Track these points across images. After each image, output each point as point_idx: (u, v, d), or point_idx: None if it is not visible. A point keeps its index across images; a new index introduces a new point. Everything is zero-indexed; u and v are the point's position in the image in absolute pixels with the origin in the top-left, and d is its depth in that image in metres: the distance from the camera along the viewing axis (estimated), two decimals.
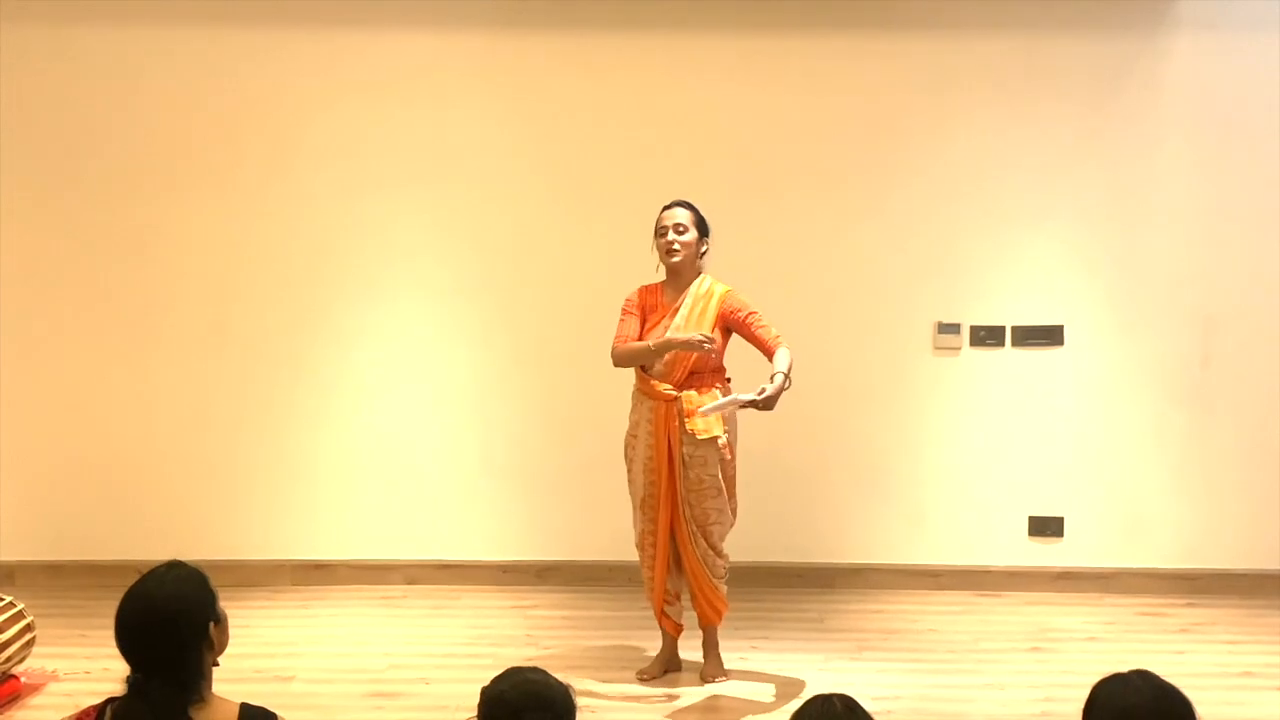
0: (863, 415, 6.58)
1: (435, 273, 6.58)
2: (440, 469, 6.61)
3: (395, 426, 6.60)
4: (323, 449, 6.61)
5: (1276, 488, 6.53)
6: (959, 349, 6.58)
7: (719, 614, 5.29)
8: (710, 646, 5.34)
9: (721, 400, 4.98)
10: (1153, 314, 6.55)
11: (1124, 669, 2.63)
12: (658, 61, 6.51)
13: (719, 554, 5.22)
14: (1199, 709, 2.54)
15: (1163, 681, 2.56)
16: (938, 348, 6.58)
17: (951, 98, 6.52)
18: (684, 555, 5.21)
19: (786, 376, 4.94)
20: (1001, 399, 6.58)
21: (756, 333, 5.12)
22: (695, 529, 5.15)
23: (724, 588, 5.27)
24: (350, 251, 6.56)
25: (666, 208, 5.23)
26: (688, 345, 4.99)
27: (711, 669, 5.29)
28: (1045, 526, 6.60)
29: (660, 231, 5.19)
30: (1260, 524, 6.55)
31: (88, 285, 6.55)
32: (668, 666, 5.36)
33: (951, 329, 6.57)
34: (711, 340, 4.99)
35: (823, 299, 6.54)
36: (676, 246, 5.14)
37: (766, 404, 4.90)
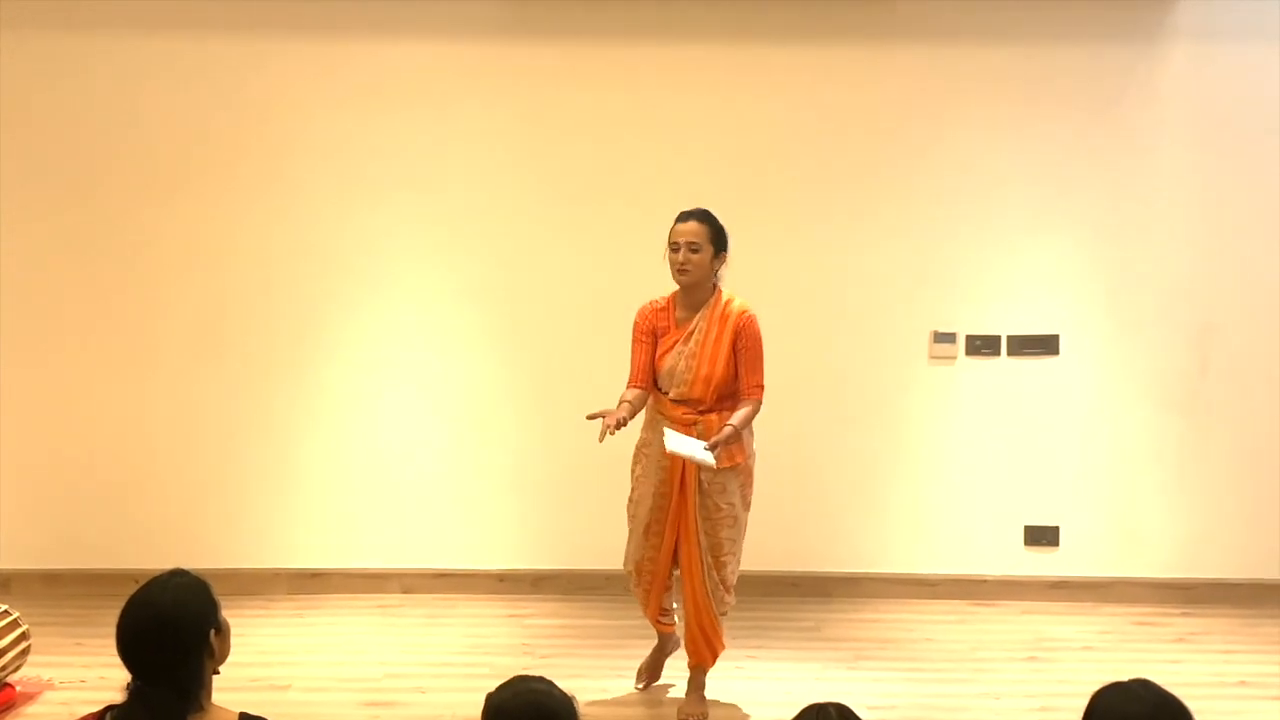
0: (858, 424, 6.58)
1: (433, 280, 6.58)
2: (436, 477, 6.61)
3: (392, 435, 6.60)
4: (319, 457, 6.61)
5: (1272, 497, 6.55)
6: (954, 358, 6.59)
7: (714, 655, 5.04)
8: (695, 686, 5.05)
9: (686, 443, 4.66)
10: (1149, 323, 6.56)
11: (1120, 678, 2.63)
12: (655, 69, 6.52)
13: (728, 589, 4.93)
14: (1196, 718, 2.54)
15: (1163, 690, 2.56)
16: (933, 357, 6.59)
17: (947, 106, 6.53)
18: (691, 587, 4.89)
19: (735, 429, 4.63)
20: (997, 408, 6.58)
21: (742, 368, 4.80)
22: (710, 560, 4.84)
23: (724, 626, 5.03)
24: (347, 259, 6.55)
25: (681, 219, 4.86)
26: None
27: (691, 706, 4.99)
28: (1041, 536, 6.60)
29: (673, 246, 4.83)
30: (1256, 533, 6.56)
31: (84, 293, 6.55)
32: (665, 649, 5.25)
33: (947, 338, 6.57)
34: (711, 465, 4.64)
35: (818, 307, 6.54)
36: (688, 267, 4.79)
37: (706, 464, 4.63)
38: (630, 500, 5.08)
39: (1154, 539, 6.60)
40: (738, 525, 4.89)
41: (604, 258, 6.44)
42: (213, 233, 6.55)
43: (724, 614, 4.98)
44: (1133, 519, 6.60)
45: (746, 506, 4.94)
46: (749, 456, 4.89)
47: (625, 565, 5.12)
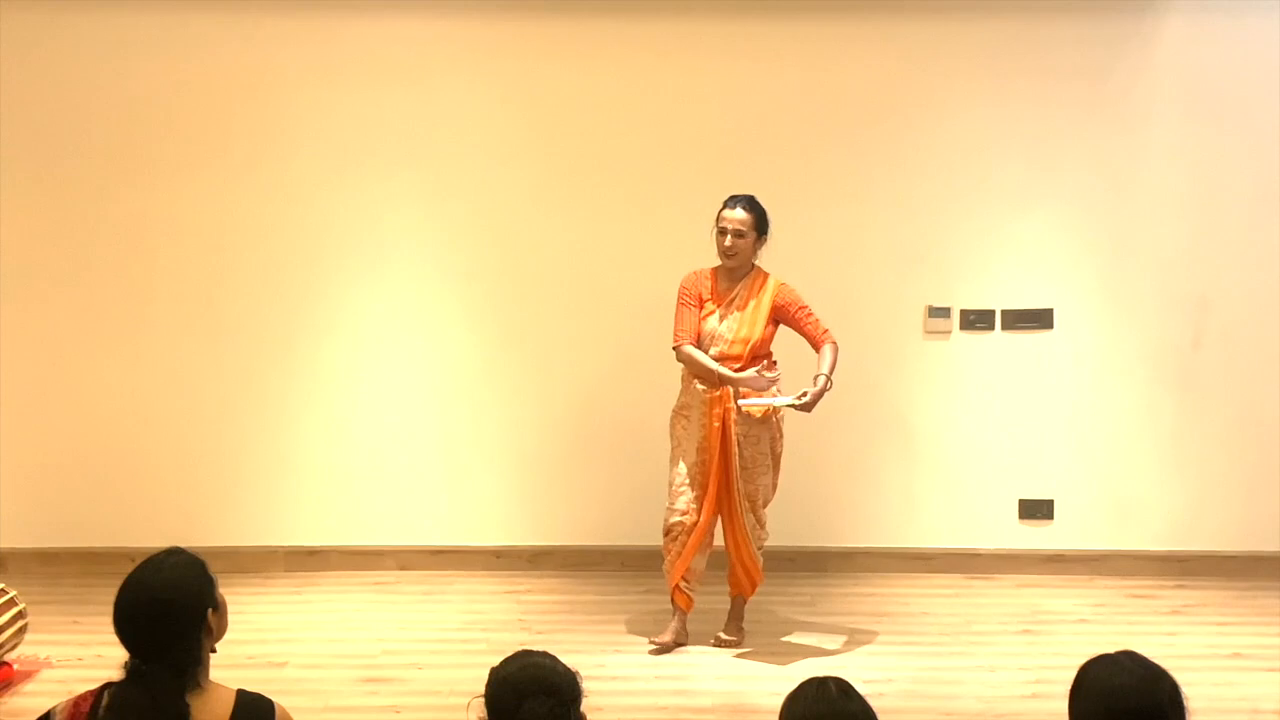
0: (853, 399, 6.54)
1: (428, 258, 6.56)
2: (433, 454, 6.61)
3: (387, 411, 6.59)
4: (315, 434, 6.60)
5: (1266, 470, 6.56)
6: (949, 332, 6.59)
7: (754, 585, 5.57)
8: (736, 615, 5.56)
9: (766, 399, 5.28)
10: (1143, 296, 6.56)
11: (1113, 650, 2.64)
12: (646, 45, 6.48)
13: (761, 525, 5.50)
14: (1189, 690, 2.55)
15: (1150, 662, 2.57)
16: (928, 331, 6.59)
17: (941, 80, 6.51)
18: (732, 528, 5.44)
19: (828, 378, 5.30)
20: (992, 382, 6.59)
21: (806, 327, 5.45)
22: (747, 504, 5.41)
23: (761, 559, 5.52)
24: (341, 236, 6.53)
25: (730, 204, 5.41)
26: (752, 384, 5.28)
27: (730, 632, 5.52)
28: (1036, 509, 6.62)
29: (720, 230, 5.40)
30: (1250, 506, 6.57)
31: (78, 272, 6.52)
32: (678, 638, 5.46)
33: (942, 312, 6.57)
34: (772, 379, 5.35)
35: (812, 283, 6.46)
36: (734, 250, 5.39)
37: (805, 407, 5.29)
38: (672, 459, 5.46)
39: (1148, 512, 6.62)
40: (770, 472, 5.50)
41: (598, 235, 6.42)
42: (206, 210, 6.52)
43: (761, 547, 5.51)
44: (1127, 492, 6.61)
45: (776, 456, 5.52)
46: (778, 412, 5.45)
47: (666, 521, 5.44)
